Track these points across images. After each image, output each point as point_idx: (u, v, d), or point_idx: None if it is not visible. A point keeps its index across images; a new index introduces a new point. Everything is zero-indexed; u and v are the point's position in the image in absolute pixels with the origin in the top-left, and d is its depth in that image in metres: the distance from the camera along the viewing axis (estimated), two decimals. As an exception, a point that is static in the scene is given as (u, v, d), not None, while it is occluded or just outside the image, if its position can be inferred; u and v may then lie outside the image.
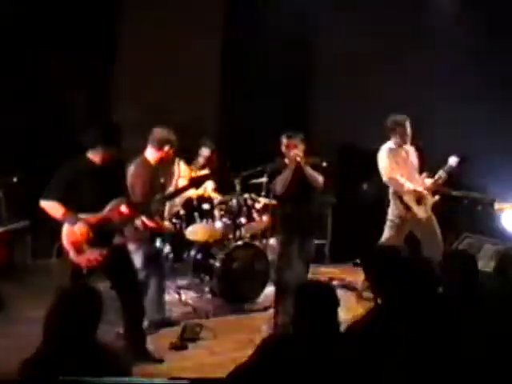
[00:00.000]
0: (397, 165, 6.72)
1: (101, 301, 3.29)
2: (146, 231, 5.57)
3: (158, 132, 5.77)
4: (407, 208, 6.67)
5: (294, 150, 5.98)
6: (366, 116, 8.47)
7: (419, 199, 6.68)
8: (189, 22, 8.13)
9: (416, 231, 6.79)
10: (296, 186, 6.00)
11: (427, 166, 6.97)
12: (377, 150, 7.00)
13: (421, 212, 6.66)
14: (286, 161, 6.05)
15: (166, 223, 5.91)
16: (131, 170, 5.62)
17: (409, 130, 6.73)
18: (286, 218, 6.02)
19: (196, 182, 5.55)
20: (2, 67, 7.27)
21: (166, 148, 5.73)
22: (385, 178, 6.77)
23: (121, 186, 5.08)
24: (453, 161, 6.66)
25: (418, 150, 6.96)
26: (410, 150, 6.87)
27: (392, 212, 6.82)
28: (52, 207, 4.83)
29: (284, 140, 6.03)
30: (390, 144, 6.81)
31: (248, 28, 8.60)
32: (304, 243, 6.16)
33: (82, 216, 4.83)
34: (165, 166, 6.05)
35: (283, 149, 6.04)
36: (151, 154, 5.74)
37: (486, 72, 8.41)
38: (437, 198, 6.76)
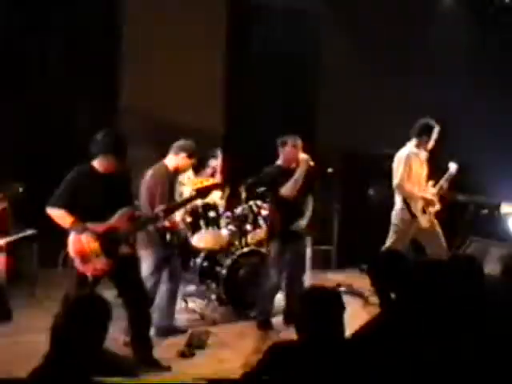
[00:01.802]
0: (411, 171, 6.66)
1: (108, 309, 3.30)
2: (157, 237, 5.62)
3: (180, 141, 5.86)
4: (412, 215, 6.67)
5: (302, 154, 6.03)
6: (371, 122, 8.48)
7: (424, 207, 6.68)
8: (192, 30, 8.15)
9: (419, 237, 6.80)
10: (301, 190, 6.04)
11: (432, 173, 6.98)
12: (382, 156, 7.01)
13: (424, 221, 6.67)
14: (279, 162, 6.07)
15: (180, 222, 5.95)
16: (149, 176, 5.67)
17: (436, 137, 6.69)
18: (284, 223, 6.07)
19: (203, 192, 5.57)
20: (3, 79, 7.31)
21: (182, 155, 5.79)
22: (394, 183, 6.75)
23: (127, 194, 5.09)
24: (453, 168, 6.65)
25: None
26: (425, 155, 6.84)
27: (396, 216, 6.82)
28: (59, 215, 4.85)
29: (290, 141, 6.05)
30: (411, 148, 6.75)
31: (251, 36, 8.62)
32: (300, 246, 6.22)
33: (89, 225, 4.84)
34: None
35: (286, 149, 6.06)
36: (169, 160, 5.82)
37: (485, 73, 8.45)
38: (438, 206, 6.75)
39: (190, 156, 5.85)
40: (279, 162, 6.16)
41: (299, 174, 5.97)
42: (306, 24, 8.80)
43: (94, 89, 7.83)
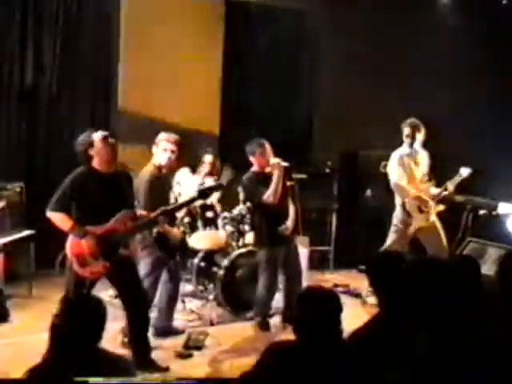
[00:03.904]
0: (406, 170, 6.68)
1: (104, 309, 3.30)
2: (152, 238, 5.61)
3: (159, 136, 5.77)
4: (409, 215, 6.68)
5: (273, 158, 6.06)
6: (369, 122, 8.48)
7: (421, 207, 6.67)
8: (190, 33, 8.15)
9: (420, 237, 6.80)
10: (282, 194, 6.07)
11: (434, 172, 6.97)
12: (380, 156, 7.02)
13: (420, 220, 6.67)
14: (254, 168, 6.08)
15: (175, 230, 5.88)
16: (140, 178, 5.65)
17: (423, 133, 6.72)
18: (271, 228, 6.07)
19: (204, 194, 5.55)
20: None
21: (163, 145, 5.65)
22: (391, 184, 6.78)
23: (127, 196, 5.08)
24: (465, 172, 6.62)
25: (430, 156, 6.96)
26: (424, 155, 6.86)
27: (396, 217, 6.83)
28: (60, 219, 4.85)
29: (258, 149, 6.07)
30: (404, 148, 6.79)
31: (249, 38, 8.62)
32: (290, 247, 6.23)
33: (88, 228, 4.84)
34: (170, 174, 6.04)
35: (256, 158, 6.08)
36: (156, 159, 5.72)
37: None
38: (442, 207, 6.75)
39: (169, 142, 5.66)
40: (254, 168, 6.19)
41: (276, 179, 6.00)
42: (305, 24, 8.79)
43: (93, 89, 7.81)
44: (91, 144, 4.91)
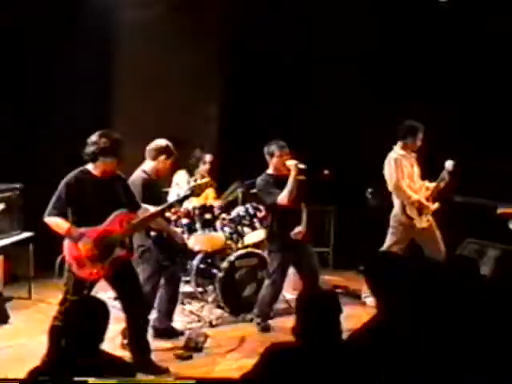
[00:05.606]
0: (403, 173, 6.70)
1: (106, 311, 3.31)
2: (151, 241, 5.62)
3: (154, 143, 5.80)
4: (409, 217, 6.69)
5: (290, 160, 6.05)
6: (368, 122, 8.48)
7: (421, 209, 6.69)
8: (186, 33, 8.15)
9: (417, 238, 6.81)
10: (297, 197, 6.07)
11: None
12: (379, 157, 7.01)
13: (422, 222, 6.68)
14: (270, 171, 6.08)
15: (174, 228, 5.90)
16: (134, 181, 5.65)
17: (421, 137, 6.73)
18: (284, 229, 6.07)
19: (196, 191, 5.55)
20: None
21: (161, 158, 5.75)
22: (391, 187, 6.78)
23: (121, 198, 5.07)
24: (449, 164, 6.66)
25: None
26: (414, 156, 6.88)
27: (394, 219, 6.83)
28: (56, 223, 4.87)
29: (277, 151, 6.07)
30: (398, 150, 6.80)
31: (248, 38, 8.63)
32: (303, 252, 6.23)
33: (84, 230, 4.84)
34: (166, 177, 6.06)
35: (274, 159, 6.08)
36: (147, 165, 5.77)
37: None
38: (437, 205, 6.77)
39: (168, 156, 5.77)
40: (269, 171, 6.19)
41: (291, 181, 5.99)
42: (303, 23, 8.80)
43: (93, 89, 7.81)
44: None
